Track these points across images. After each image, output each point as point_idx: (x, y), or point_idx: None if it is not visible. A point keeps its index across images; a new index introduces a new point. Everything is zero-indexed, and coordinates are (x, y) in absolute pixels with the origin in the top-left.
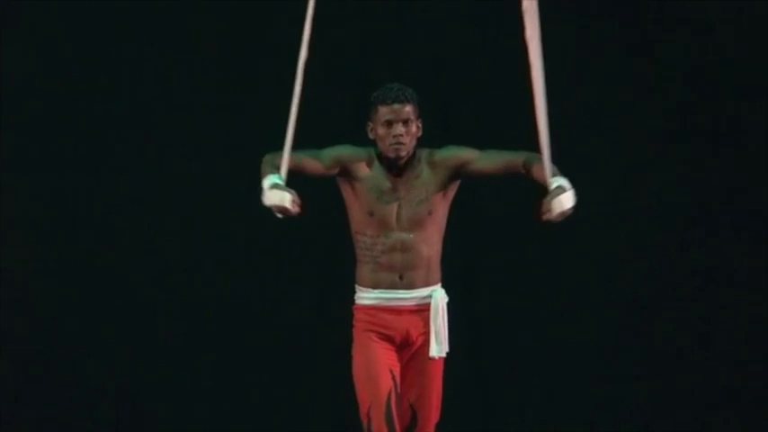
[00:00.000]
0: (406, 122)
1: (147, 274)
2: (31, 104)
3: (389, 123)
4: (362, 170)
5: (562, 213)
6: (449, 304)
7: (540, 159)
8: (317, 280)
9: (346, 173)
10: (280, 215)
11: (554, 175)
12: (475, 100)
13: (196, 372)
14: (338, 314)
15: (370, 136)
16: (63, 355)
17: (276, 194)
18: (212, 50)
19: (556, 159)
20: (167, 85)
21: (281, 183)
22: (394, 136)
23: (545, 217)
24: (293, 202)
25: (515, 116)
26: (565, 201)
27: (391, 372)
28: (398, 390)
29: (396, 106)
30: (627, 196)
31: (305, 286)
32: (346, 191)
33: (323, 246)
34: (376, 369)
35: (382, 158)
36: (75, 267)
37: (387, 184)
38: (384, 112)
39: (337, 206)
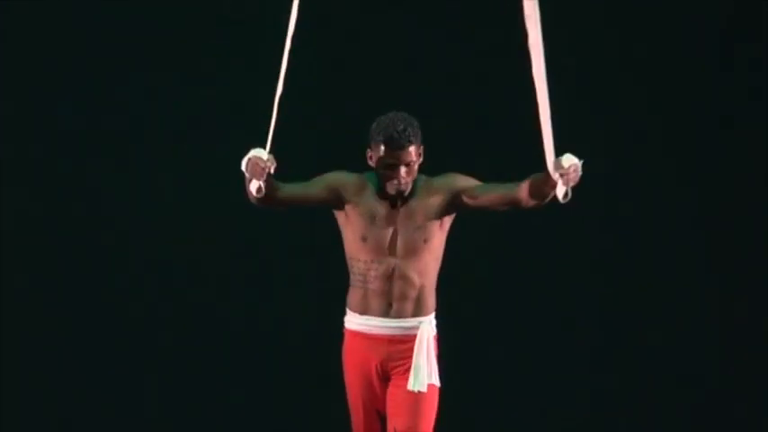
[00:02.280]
0: (408, 164)
1: (133, 293)
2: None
3: (392, 166)
4: (355, 195)
5: (575, 169)
6: (444, 333)
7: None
8: (310, 297)
9: (339, 199)
10: (255, 180)
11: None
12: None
13: (187, 388)
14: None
15: (370, 163)
16: (53, 357)
17: (254, 150)
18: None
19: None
20: (163, 86)
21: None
22: (395, 178)
23: (559, 178)
24: (270, 159)
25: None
26: (571, 158)
27: (378, 413)
28: (387, 428)
29: (399, 151)
30: (624, 211)
31: (297, 303)
32: (339, 216)
33: (317, 263)
34: (362, 414)
35: (378, 184)
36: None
37: (382, 210)
38: (386, 154)
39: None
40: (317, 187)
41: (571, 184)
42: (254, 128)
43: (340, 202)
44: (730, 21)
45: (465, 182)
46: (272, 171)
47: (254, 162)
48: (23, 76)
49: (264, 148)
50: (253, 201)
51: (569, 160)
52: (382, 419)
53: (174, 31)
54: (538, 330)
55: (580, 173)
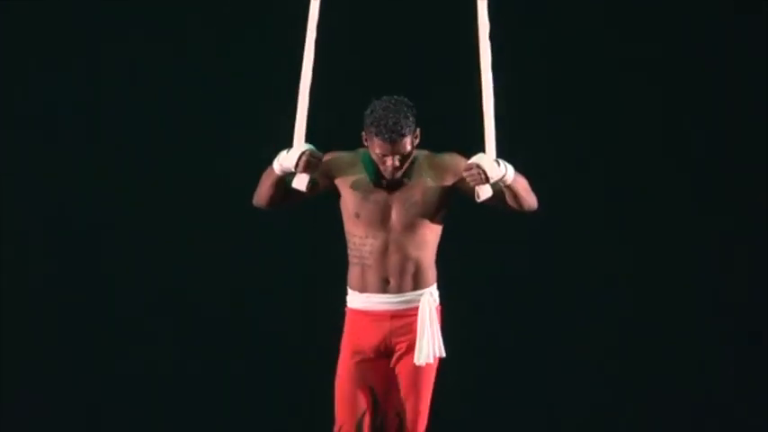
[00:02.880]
0: (401, 154)
1: (132, 278)
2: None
3: (385, 155)
4: (347, 173)
5: (471, 166)
6: (445, 305)
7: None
8: (308, 280)
9: (332, 180)
10: (306, 175)
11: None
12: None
13: (183, 377)
14: (328, 317)
15: (366, 143)
16: (46, 357)
17: (296, 148)
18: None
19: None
20: (160, 84)
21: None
22: (389, 166)
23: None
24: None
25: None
26: (488, 163)
27: (371, 390)
28: (379, 408)
29: (391, 145)
30: (626, 196)
31: (295, 287)
32: (336, 193)
33: (315, 244)
34: (353, 388)
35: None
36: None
37: (376, 185)
38: (380, 144)
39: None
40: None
41: (473, 183)
42: (249, 123)
43: (334, 183)
44: (731, 19)
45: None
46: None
47: (310, 155)
48: (22, 69)
49: (295, 143)
50: (265, 203)
51: (477, 159)
52: (373, 397)
53: (174, 31)
54: (539, 322)
55: (491, 175)
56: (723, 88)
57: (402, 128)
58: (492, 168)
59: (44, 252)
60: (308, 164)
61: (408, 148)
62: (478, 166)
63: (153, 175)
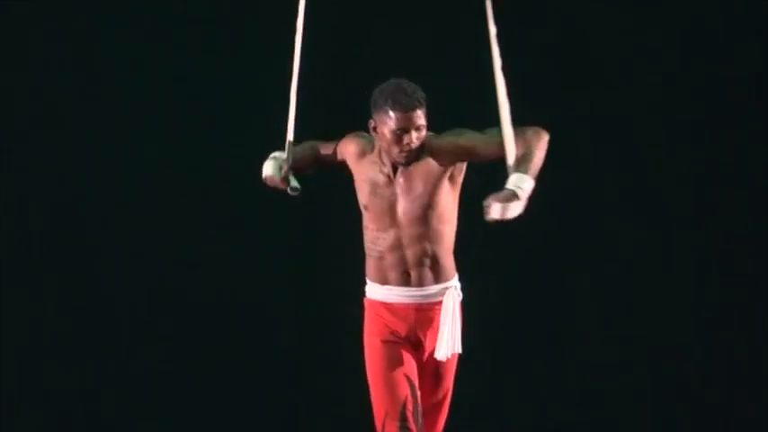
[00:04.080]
0: (418, 128)
1: (132, 277)
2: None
3: (402, 132)
4: (359, 162)
5: (500, 219)
6: (467, 299)
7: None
8: (309, 280)
9: (346, 166)
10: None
11: (518, 168)
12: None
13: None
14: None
15: (372, 133)
16: (45, 355)
17: (270, 164)
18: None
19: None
20: (158, 78)
21: (282, 157)
22: (406, 144)
23: (485, 212)
24: (284, 179)
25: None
26: (509, 209)
27: (407, 378)
28: (417, 395)
29: (410, 114)
30: (639, 191)
31: (296, 286)
32: (353, 181)
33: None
34: (391, 377)
35: (382, 149)
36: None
37: (383, 177)
38: (398, 119)
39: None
40: (330, 150)
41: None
42: (249, 122)
43: (348, 169)
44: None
45: (467, 140)
46: (288, 171)
47: (270, 179)
48: (22, 69)
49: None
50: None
51: (493, 212)
52: (410, 383)
53: (175, 30)
54: (543, 319)
55: (512, 217)
56: (724, 87)
57: (419, 97)
58: (512, 212)
59: (44, 252)
60: (273, 183)
61: (424, 122)
62: (495, 220)
63: (153, 174)
